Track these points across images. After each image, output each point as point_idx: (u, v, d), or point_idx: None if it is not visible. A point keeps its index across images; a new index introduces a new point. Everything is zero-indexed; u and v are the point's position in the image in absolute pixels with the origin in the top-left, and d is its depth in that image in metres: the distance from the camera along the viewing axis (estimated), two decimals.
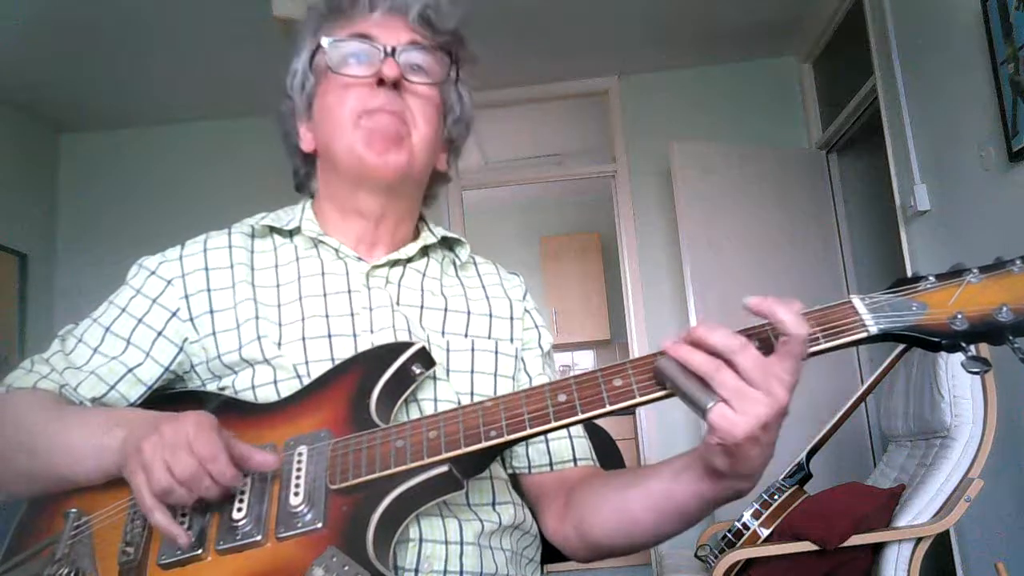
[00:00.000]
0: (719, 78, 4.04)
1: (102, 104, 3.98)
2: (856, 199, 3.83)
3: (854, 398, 2.37)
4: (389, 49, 0.90)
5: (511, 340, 0.98)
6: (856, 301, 0.68)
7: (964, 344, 0.66)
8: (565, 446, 0.96)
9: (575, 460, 0.96)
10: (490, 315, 0.98)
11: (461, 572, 0.81)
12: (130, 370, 0.89)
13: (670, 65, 4.04)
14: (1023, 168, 2.11)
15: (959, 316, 0.66)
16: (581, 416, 0.70)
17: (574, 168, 4.94)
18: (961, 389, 1.96)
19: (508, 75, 3.86)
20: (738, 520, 2.12)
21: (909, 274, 2.94)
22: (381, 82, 0.89)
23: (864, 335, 0.67)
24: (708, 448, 0.68)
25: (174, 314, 0.90)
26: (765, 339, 0.68)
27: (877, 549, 1.91)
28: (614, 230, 4.17)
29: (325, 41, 0.93)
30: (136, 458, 0.71)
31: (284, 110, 1.01)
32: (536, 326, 1.02)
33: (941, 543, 2.41)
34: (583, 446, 0.98)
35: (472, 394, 0.91)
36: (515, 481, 0.97)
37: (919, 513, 1.89)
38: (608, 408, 0.69)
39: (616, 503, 0.85)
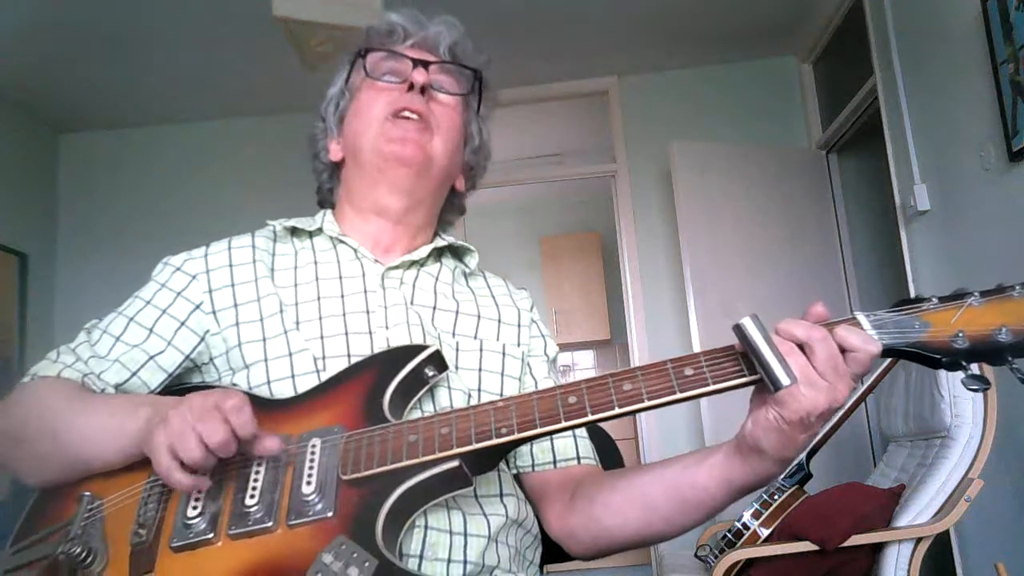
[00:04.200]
0: (719, 78, 4.04)
1: (102, 104, 3.98)
2: (856, 199, 3.83)
3: (854, 398, 2.37)
4: (420, 63, 0.97)
5: (518, 344, 1.01)
6: (860, 317, 0.71)
7: (964, 363, 0.69)
8: (569, 444, 0.99)
9: (579, 458, 0.98)
10: (499, 320, 1.02)
11: (464, 562, 0.82)
12: (151, 357, 0.91)
13: (670, 65, 4.04)
14: (1023, 168, 2.11)
15: (960, 335, 0.68)
16: (591, 417, 0.72)
17: (574, 168, 4.94)
18: (961, 389, 1.96)
19: (508, 75, 3.86)
20: (738, 520, 2.13)
21: (909, 274, 2.94)
22: (411, 87, 0.96)
23: None
24: (762, 424, 0.71)
25: (197, 307, 0.93)
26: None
27: (877, 549, 1.91)
28: (614, 230, 4.17)
29: (365, 55, 1.01)
30: (160, 427, 0.72)
31: (315, 131, 1.08)
32: (542, 335, 1.07)
33: (941, 543, 2.41)
34: (587, 446, 1.01)
35: (480, 391, 0.93)
36: (518, 480, 0.98)
37: (919, 513, 1.89)
38: (617, 411, 0.71)
39: (634, 493, 0.86)
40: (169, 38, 3.40)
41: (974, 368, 0.69)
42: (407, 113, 0.96)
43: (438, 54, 1.01)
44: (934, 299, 0.71)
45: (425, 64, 0.98)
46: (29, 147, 4.04)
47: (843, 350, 0.68)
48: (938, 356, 0.69)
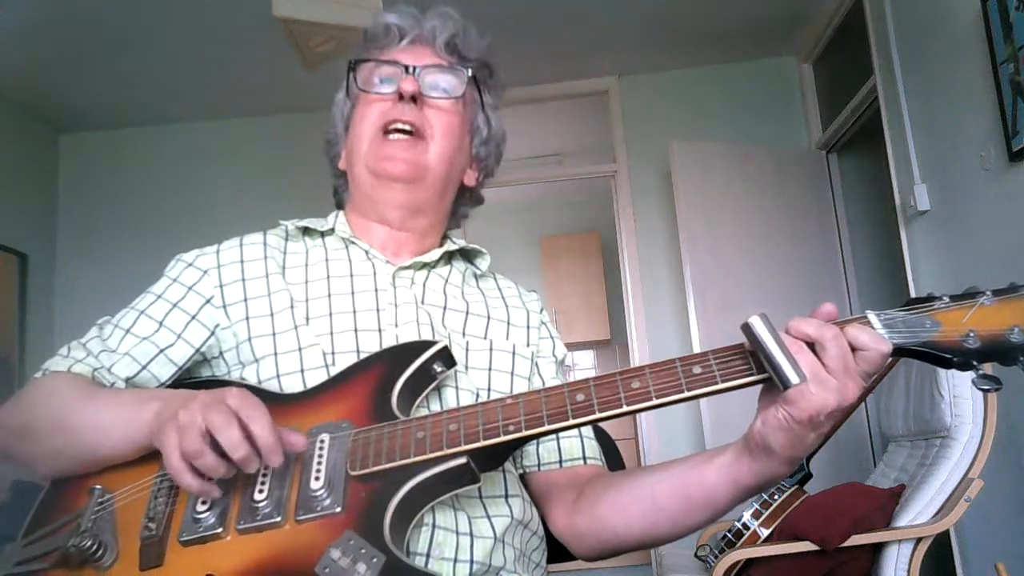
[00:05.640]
0: (719, 78, 4.04)
1: (102, 104, 3.98)
2: (856, 199, 3.83)
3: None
4: (411, 68, 0.96)
5: (527, 344, 1.02)
6: (871, 316, 0.71)
7: (975, 363, 0.68)
8: (576, 444, 0.99)
9: (585, 459, 0.98)
10: (508, 322, 1.02)
11: (471, 562, 0.82)
12: (162, 351, 0.91)
13: (670, 65, 4.04)
14: (1023, 168, 2.11)
15: (971, 335, 0.68)
16: (599, 415, 0.71)
17: (574, 168, 4.94)
18: (961, 389, 1.96)
19: (508, 75, 3.85)
20: (738, 520, 2.12)
21: (909, 274, 2.93)
22: (401, 97, 0.95)
23: None
24: (772, 424, 0.70)
25: (208, 301, 0.94)
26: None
27: (877, 549, 1.91)
28: (614, 230, 4.17)
29: (355, 66, 1.01)
30: (172, 423, 0.71)
31: (330, 137, 1.08)
32: (551, 337, 1.07)
33: (941, 543, 2.42)
34: (593, 447, 1.01)
35: (489, 390, 0.94)
36: (524, 480, 0.99)
37: (919, 513, 1.89)
38: (625, 409, 0.71)
39: (641, 493, 0.86)
40: (169, 38, 3.40)
41: (984, 368, 0.68)
42: (399, 125, 0.95)
43: (435, 49, 1.00)
44: (945, 298, 0.70)
45: (415, 68, 0.97)
46: (29, 147, 4.04)
47: (853, 349, 0.68)
48: (949, 356, 0.68)
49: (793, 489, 2.15)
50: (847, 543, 1.84)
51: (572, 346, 6.04)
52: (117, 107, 4.03)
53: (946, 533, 2.25)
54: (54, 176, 4.20)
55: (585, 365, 6.29)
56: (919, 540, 1.86)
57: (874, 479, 2.33)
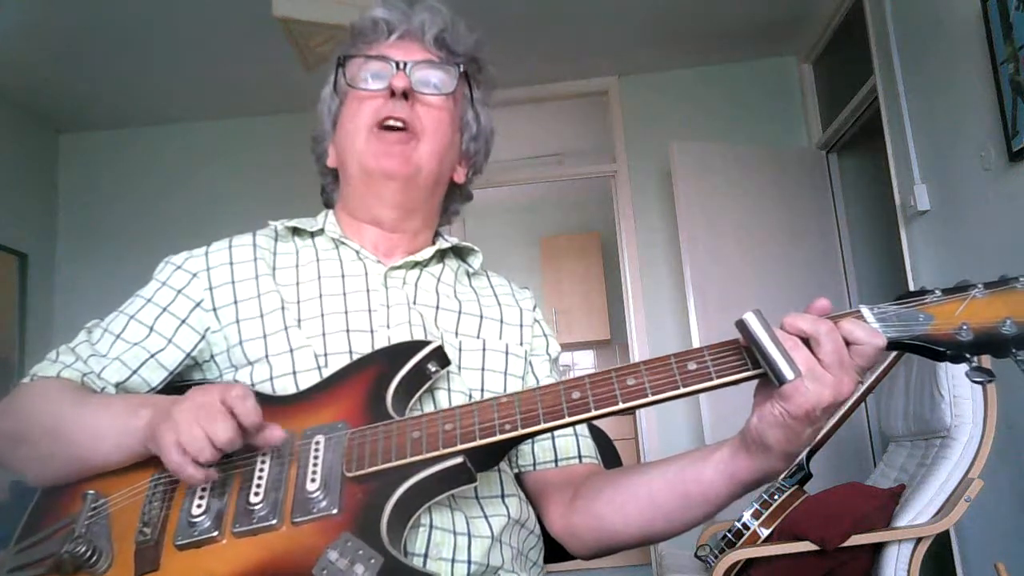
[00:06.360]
0: (719, 78, 4.04)
1: (102, 104, 3.98)
2: (856, 199, 3.83)
3: (854, 398, 2.37)
4: (402, 64, 0.95)
5: (520, 343, 1.01)
6: (864, 310, 0.71)
7: (968, 355, 0.68)
8: (571, 443, 0.98)
9: (580, 457, 0.98)
10: (501, 320, 1.02)
11: (468, 562, 0.82)
12: (152, 355, 0.91)
13: (670, 65, 4.04)
14: (1023, 168, 2.11)
15: (964, 328, 0.68)
16: (595, 412, 0.71)
17: (574, 168, 4.94)
18: (961, 389, 1.96)
19: (508, 75, 3.86)
20: (738, 520, 2.12)
21: (909, 274, 2.93)
22: (392, 94, 0.94)
23: None
24: (767, 419, 0.70)
25: (198, 304, 0.93)
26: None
27: (877, 549, 1.91)
28: (614, 230, 4.17)
29: (344, 61, 0.99)
30: (168, 423, 0.72)
31: (316, 134, 1.07)
32: (545, 335, 1.06)
33: (941, 543, 2.41)
34: (588, 445, 1.00)
35: (483, 390, 0.93)
36: (519, 480, 0.98)
37: (919, 513, 1.89)
38: (621, 406, 0.71)
39: (638, 490, 0.85)
40: (169, 38, 3.40)
41: (977, 361, 0.69)
42: (390, 122, 0.94)
43: (424, 44, 0.99)
44: (937, 291, 0.70)
45: (405, 64, 0.96)
46: (29, 147, 4.04)
47: (848, 343, 0.68)
48: (942, 349, 0.69)
49: (793, 489, 2.14)
50: (847, 543, 1.84)
51: (572, 346, 6.04)
52: (117, 107, 4.03)
53: (946, 533, 2.25)
54: (54, 176, 4.20)
55: (585, 365, 6.29)
56: (919, 540, 1.85)
57: (874, 479, 2.33)
